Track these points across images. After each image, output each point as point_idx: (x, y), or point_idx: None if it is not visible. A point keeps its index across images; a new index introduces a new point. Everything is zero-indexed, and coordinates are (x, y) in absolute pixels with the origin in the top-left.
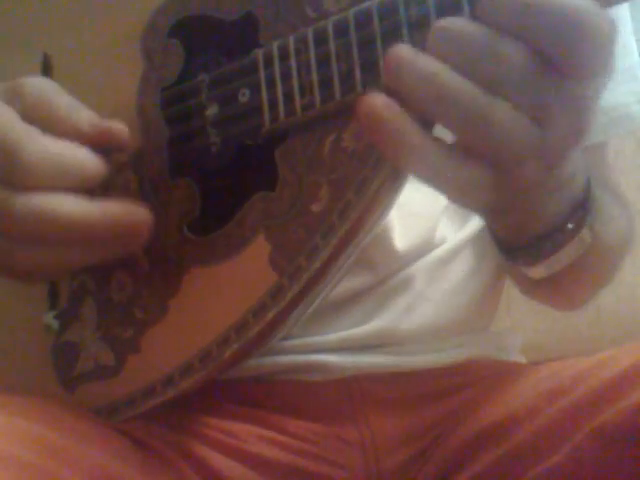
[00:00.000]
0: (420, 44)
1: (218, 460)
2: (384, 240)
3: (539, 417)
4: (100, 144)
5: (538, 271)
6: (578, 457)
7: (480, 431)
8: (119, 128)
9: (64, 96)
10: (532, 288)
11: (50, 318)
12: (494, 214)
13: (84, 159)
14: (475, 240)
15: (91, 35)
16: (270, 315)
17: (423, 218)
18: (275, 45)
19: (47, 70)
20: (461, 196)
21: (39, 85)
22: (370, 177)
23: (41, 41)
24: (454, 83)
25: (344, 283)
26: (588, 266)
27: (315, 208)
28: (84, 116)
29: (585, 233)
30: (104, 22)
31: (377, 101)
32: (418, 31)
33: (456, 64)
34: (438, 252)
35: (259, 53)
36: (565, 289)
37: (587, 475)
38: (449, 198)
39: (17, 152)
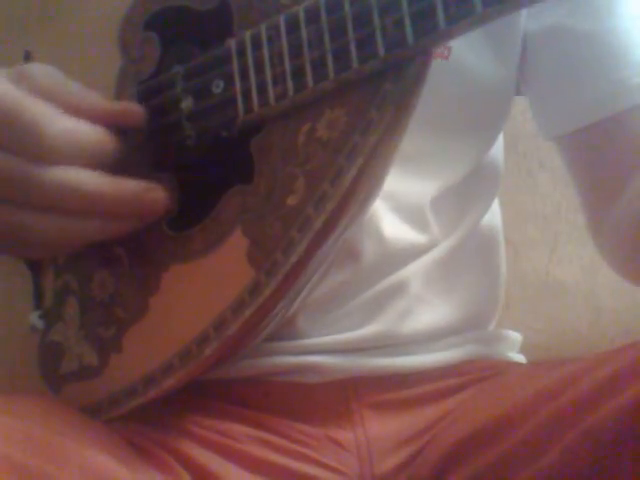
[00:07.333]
0: (390, 29)
1: (211, 459)
2: (372, 229)
3: (531, 418)
4: (116, 124)
5: None
6: (568, 458)
7: (474, 432)
8: (134, 108)
9: (73, 80)
10: None
11: (35, 318)
12: None
13: (103, 137)
14: (470, 240)
15: (71, 30)
16: (248, 312)
17: (410, 208)
18: (247, 34)
19: None
20: None
21: (48, 69)
22: (345, 167)
23: (22, 37)
24: None
25: (333, 277)
26: None
27: (291, 201)
28: (98, 97)
29: None
30: (83, 17)
31: None
32: (388, 15)
33: None
34: (432, 254)
35: (232, 43)
36: None
37: (578, 476)
38: None
39: (40, 129)
